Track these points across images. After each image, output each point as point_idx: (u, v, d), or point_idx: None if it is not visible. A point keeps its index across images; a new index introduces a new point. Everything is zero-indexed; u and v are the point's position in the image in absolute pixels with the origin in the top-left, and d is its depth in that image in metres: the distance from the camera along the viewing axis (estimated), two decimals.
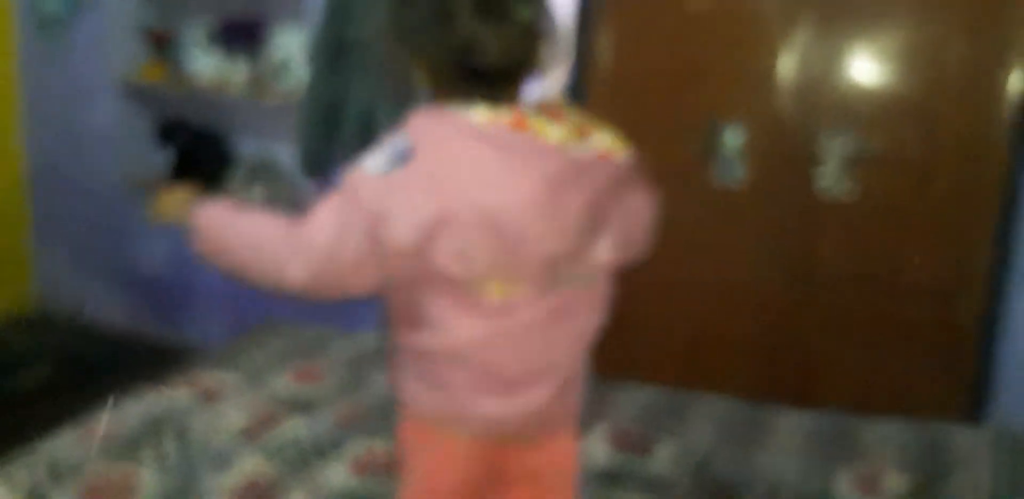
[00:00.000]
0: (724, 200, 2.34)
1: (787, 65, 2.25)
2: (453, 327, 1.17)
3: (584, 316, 1.25)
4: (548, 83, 1.29)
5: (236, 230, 1.20)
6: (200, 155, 3.26)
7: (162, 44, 3.31)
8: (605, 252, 1.21)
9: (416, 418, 1.28)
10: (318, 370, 2.11)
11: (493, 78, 1.12)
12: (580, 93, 2.44)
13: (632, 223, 1.26)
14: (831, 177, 2.25)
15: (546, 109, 1.17)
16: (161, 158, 3.42)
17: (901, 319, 2.28)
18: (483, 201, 1.09)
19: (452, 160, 1.10)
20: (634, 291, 2.37)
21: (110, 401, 1.91)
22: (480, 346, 1.18)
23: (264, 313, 3.03)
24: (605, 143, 1.20)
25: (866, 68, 2.22)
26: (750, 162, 2.31)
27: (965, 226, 2.21)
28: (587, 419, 1.94)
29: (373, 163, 1.12)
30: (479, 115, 1.11)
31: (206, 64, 3.30)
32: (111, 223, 3.45)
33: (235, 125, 3.34)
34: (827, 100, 2.25)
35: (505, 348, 1.19)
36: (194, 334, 3.40)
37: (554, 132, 1.13)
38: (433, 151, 1.10)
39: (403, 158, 1.10)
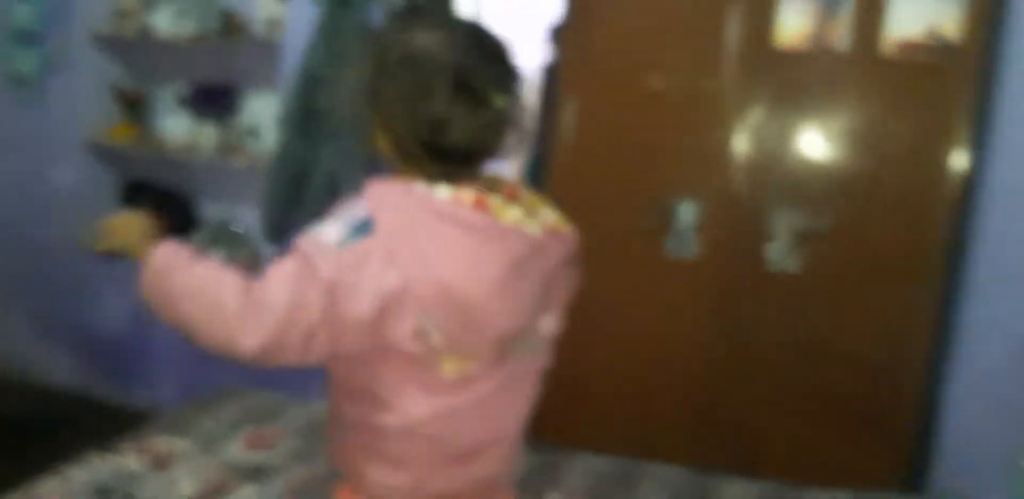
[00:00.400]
0: (675, 272, 2.39)
1: (740, 143, 2.32)
2: (407, 404, 1.15)
3: (529, 385, 1.27)
4: (508, 163, 1.33)
5: (191, 279, 1.14)
6: (164, 216, 3.26)
7: (133, 105, 3.35)
8: (551, 324, 1.25)
9: (362, 494, 1.24)
10: (271, 437, 2.09)
11: (455, 158, 1.14)
12: (542, 167, 2.50)
13: (570, 295, 1.30)
14: (780, 251, 2.31)
15: (503, 187, 1.19)
16: None
17: (841, 389, 2.31)
18: (446, 279, 1.08)
19: (414, 235, 1.09)
20: (582, 359, 2.42)
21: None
22: (433, 422, 1.16)
23: (217, 377, 3.00)
24: (551, 220, 1.22)
25: (815, 146, 2.31)
26: (703, 236, 2.37)
27: (907, 299, 2.26)
28: (539, 489, 1.95)
29: (331, 232, 1.09)
30: (443, 192, 1.11)
31: (176, 126, 3.34)
32: (66, 283, 3.42)
33: (201, 187, 3.36)
34: (778, 177, 2.32)
35: (459, 423, 1.18)
36: (146, 397, 3.34)
37: (511, 213, 1.15)
38: (393, 224, 1.09)
39: (362, 230, 1.09)
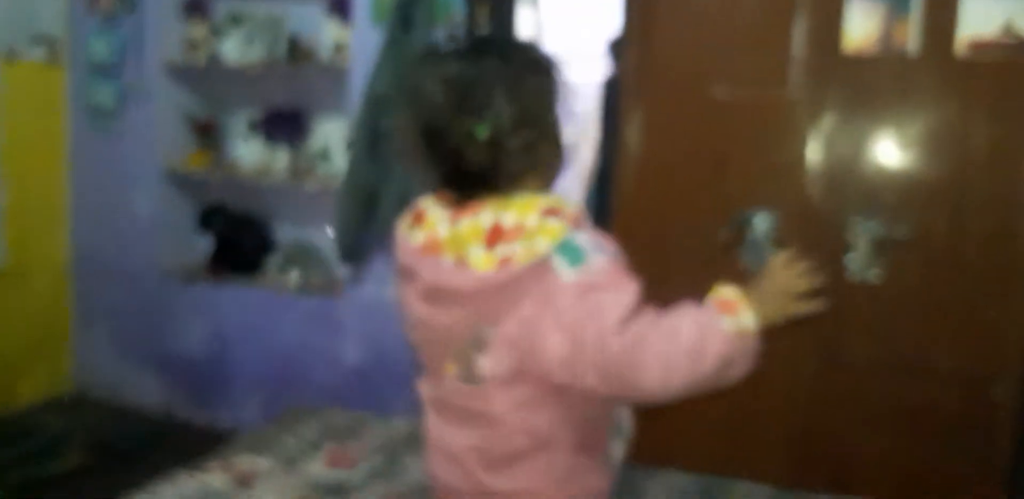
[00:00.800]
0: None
1: (813, 151, 2.29)
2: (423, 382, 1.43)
3: (475, 424, 1.31)
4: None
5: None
6: (239, 240, 3.34)
7: (207, 132, 3.45)
8: (494, 360, 1.24)
9: None
10: (352, 455, 2.11)
11: (461, 181, 1.27)
12: (607, 181, 2.50)
13: (533, 336, 1.21)
14: (860, 261, 2.26)
15: (460, 209, 1.27)
16: (202, 244, 3.51)
17: (933, 405, 2.24)
18: (406, 302, 1.36)
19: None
20: None
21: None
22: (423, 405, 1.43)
23: (296, 396, 3.06)
24: (516, 250, 1.19)
25: (891, 153, 2.25)
26: (779, 247, 2.35)
27: (997, 310, 2.19)
28: None
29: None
30: (417, 236, 1.32)
31: (249, 151, 3.43)
32: (149, 307, 3.52)
33: (275, 211, 3.44)
34: (855, 185, 2.28)
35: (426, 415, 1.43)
36: (228, 417, 3.42)
37: (440, 231, 1.28)
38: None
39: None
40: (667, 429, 2.40)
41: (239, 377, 3.40)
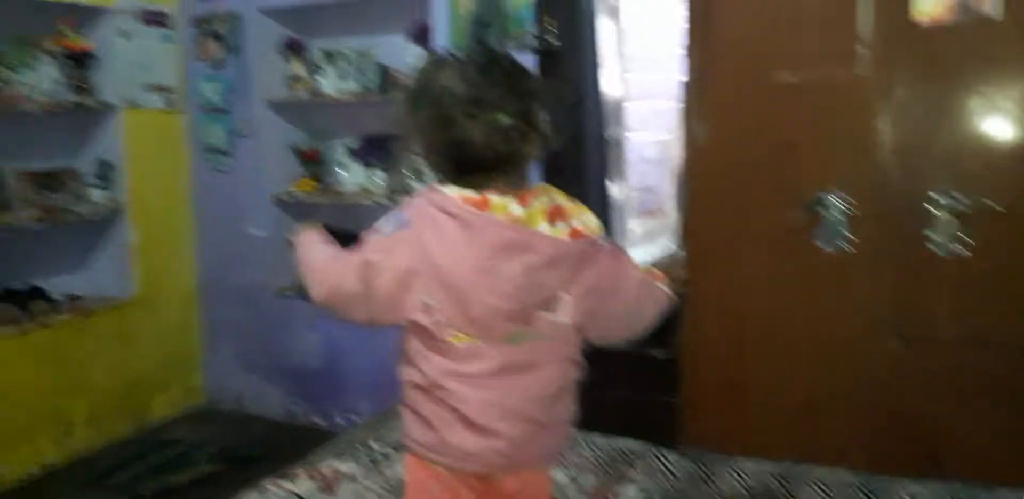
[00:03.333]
0: (831, 265, 2.29)
1: (886, 126, 2.21)
2: (424, 365, 1.42)
3: (547, 371, 1.45)
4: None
5: (308, 254, 1.56)
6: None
7: (311, 161, 3.71)
8: (563, 315, 1.42)
9: (410, 450, 1.50)
10: None
11: (479, 169, 1.37)
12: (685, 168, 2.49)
13: (602, 293, 1.46)
14: (945, 235, 2.17)
15: (522, 193, 1.39)
16: None
17: None
18: (439, 262, 1.35)
19: (427, 227, 1.36)
20: (743, 358, 2.40)
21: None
22: (444, 383, 1.41)
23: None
24: (581, 224, 1.42)
25: (975, 123, 2.14)
26: (856, 226, 2.26)
27: None
28: (699, 492, 1.98)
29: (383, 226, 1.41)
30: (452, 192, 1.37)
31: (350, 176, 3.68)
32: (269, 323, 3.77)
33: None
34: (934, 159, 2.18)
35: (466, 389, 1.40)
36: (344, 422, 3.63)
37: (514, 212, 1.36)
38: (420, 221, 1.37)
39: (401, 225, 1.38)
40: (744, 415, 2.42)
41: (352, 384, 3.61)
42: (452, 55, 1.42)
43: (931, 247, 2.19)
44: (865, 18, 2.19)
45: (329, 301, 1.47)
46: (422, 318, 1.38)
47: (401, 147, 1.61)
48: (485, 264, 1.35)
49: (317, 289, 1.48)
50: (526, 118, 1.36)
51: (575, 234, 1.40)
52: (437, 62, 1.42)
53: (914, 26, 2.14)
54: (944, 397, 2.24)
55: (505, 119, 1.34)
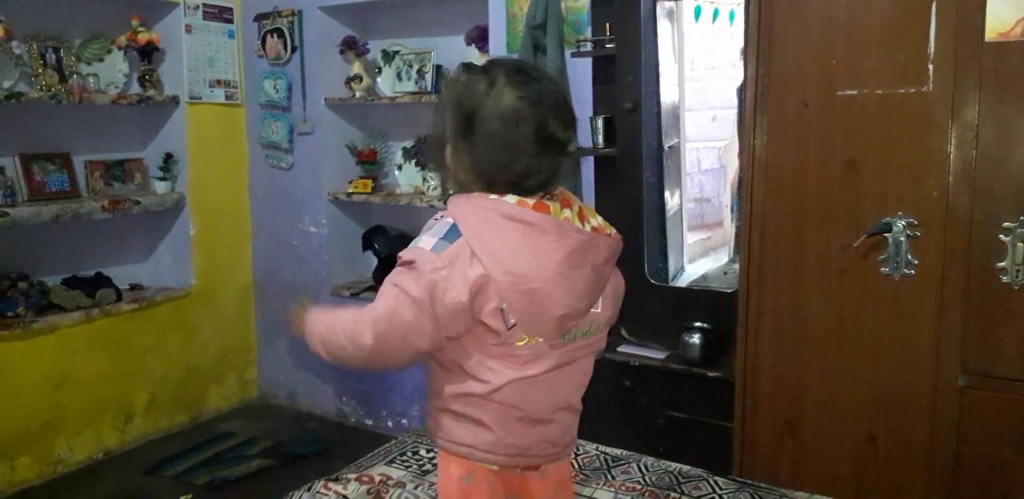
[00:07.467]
0: (895, 293, 2.21)
1: (956, 149, 2.12)
2: (489, 376, 1.41)
3: (585, 363, 1.51)
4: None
5: (329, 322, 1.47)
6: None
7: (367, 161, 3.73)
8: (604, 310, 1.48)
9: (452, 452, 1.49)
10: None
11: (532, 191, 1.38)
12: (743, 187, 2.44)
13: (617, 285, 1.54)
14: (1015, 266, 2.07)
15: (559, 196, 1.41)
16: (365, 262, 3.80)
17: None
18: (515, 269, 1.32)
19: (488, 234, 1.33)
20: (800, 387, 2.32)
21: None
22: (509, 391, 1.41)
23: None
24: (598, 223, 1.45)
25: None
26: (922, 253, 2.17)
27: None
28: None
29: (428, 242, 1.35)
30: (510, 199, 1.35)
31: (404, 176, 3.69)
32: None
33: None
34: (1004, 183, 2.08)
35: (527, 392, 1.42)
36: (393, 423, 3.68)
37: (564, 214, 1.38)
38: (472, 227, 1.34)
39: (451, 237, 1.34)
40: (805, 451, 2.34)
41: (403, 388, 3.64)
42: (500, 70, 1.39)
43: (1003, 278, 2.09)
44: (934, 33, 2.11)
45: (381, 341, 1.38)
46: (495, 323, 1.35)
47: (432, 156, 1.51)
48: (564, 267, 1.36)
49: (362, 339, 1.39)
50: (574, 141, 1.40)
51: (602, 231, 1.46)
52: (487, 79, 1.38)
53: (986, 44, 2.05)
54: (1013, 439, 2.11)
55: (573, 146, 1.38)
